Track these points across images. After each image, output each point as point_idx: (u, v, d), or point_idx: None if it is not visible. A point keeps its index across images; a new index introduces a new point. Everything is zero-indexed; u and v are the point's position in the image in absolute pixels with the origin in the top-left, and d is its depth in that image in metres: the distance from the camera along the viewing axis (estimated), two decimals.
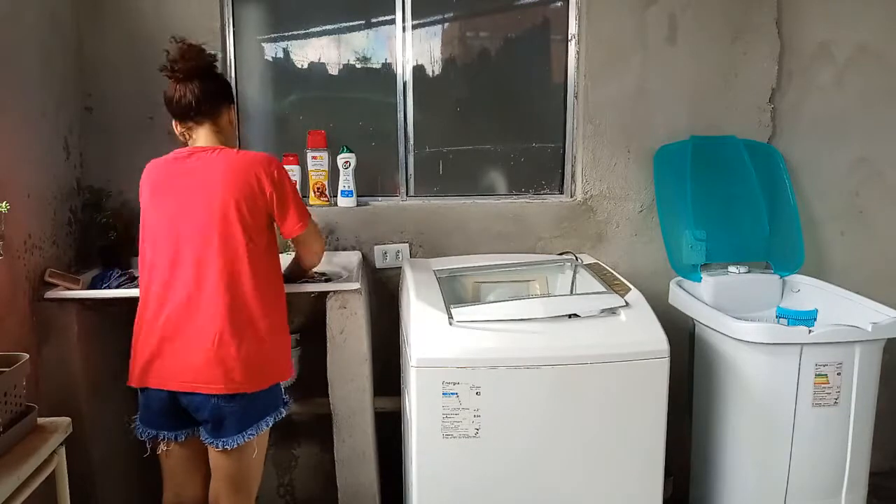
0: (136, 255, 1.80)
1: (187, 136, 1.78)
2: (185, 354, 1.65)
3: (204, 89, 1.72)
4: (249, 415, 1.69)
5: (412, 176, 2.54)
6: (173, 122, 1.78)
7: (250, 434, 1.69)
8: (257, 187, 1.67)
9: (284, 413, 1.80)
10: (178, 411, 1.71)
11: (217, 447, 1.69)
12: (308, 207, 1.86)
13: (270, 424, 1.74)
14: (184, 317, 1.66)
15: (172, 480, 1.83)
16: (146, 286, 1.72)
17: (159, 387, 1.68)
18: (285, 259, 2.28)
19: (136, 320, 1.73)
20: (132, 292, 1.88)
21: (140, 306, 1.73)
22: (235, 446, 1.69)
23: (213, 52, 1.77)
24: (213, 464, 1.77)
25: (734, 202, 2.44)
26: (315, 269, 2.05)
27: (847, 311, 2.12)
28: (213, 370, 1.63)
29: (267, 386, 1.71)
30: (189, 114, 1.73)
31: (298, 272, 1.98)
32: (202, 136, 1.76)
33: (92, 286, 2.00)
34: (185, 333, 1.65)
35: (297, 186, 2.41)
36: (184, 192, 1.68)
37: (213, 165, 1.68)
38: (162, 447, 1.76)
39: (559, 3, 2.52)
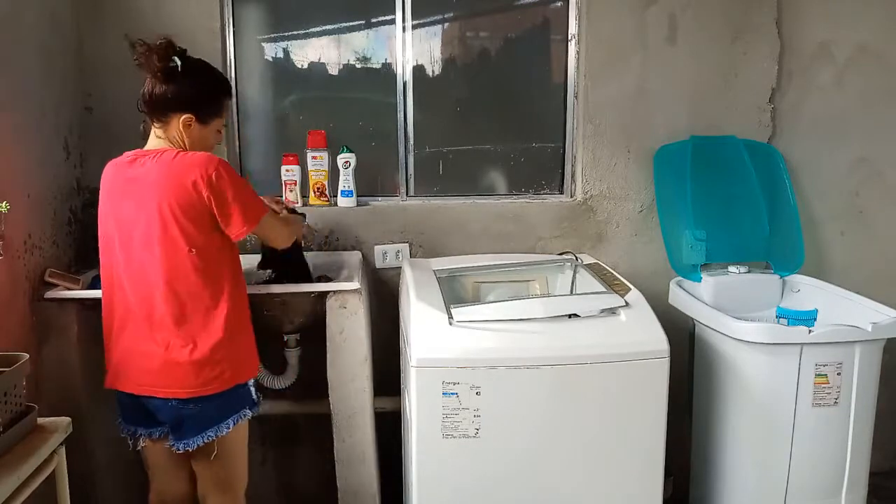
0: None
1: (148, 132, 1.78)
2: (141, 359, 1.66)
3: (154, 92, 1.68)
4: (209, 416, 1.69)
5: (412, 176, 2.54)
6: None
7: (209, 435, 1.68)
8: (193, 191, 1.61)
9: (251, 414, 1.77)
10: (146, 411, 1.72)
11: (178, 449, 1.70)
12: (262, 198, 1.80)
13: (232, 426, 1.72)
14: (138, 323, 1.67)
15: (155, 478, 1.86)
16: (105, 292, 1.73)
17: (123, 390, 1.71)
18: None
19: (103, 326, 1.74)
20: None
21: (104, 313, 1.74)
22: (195, 447, 1.69)
23: (175, 61, 1.68)
24: (193, 465, 1.79)
25: (734, 202, 2.44)
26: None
27: (847, 311, 2.12)
28: (167, 375, 1.64)
29: (225, 388, 1.68)
30: (142, 111, 1.72)
31: (277, 251, 1.97)
32: (151, 138, 1.74)
33: (92, 286, 2.00)
34: (140, 339, 1.66)
35: (297, 186, 2.41)
36: (128, 198, 1.67)
37: (151, 171, 1.64)
38: (140, 443, 1.78)
39: (559, 3, 2.52)
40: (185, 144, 1.73)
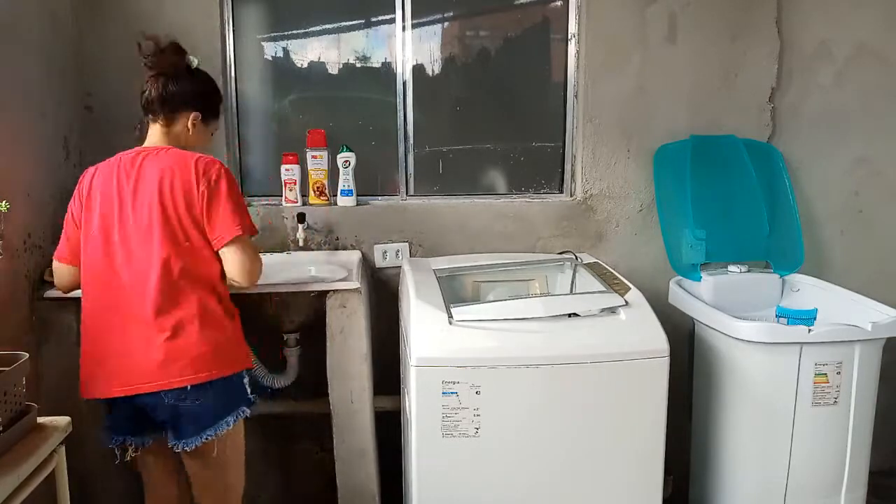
0: None
1: (144, 133, 1.78)
2: (131, 357, 1.62)
3: (167, 89, 1.71)
4: (206, 412, 1.66)
5: (412, 175, 2.54)
6: None
7: (209, 435, 1.66)
8: (194, 187, 1.63)
9: (248, 412, 1.74)
10: (139, 415, 1.69)
11: (178, 448, 1.68)
12: (252, 220, 1.73)
13: (231, 424, 1.69)
14: (128, 319, 1.63)
15: (149, 492, 1.84)
16: (87, 294, 1.69)
17: (110, 395, 1.65)
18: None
19: (82, 332, 1.70)
20: None
21: (83, 316, 1.69)
22: (194, 447, 1.66)
23: (193, 58, 1.76)
24: (188, 473, 1.76)
25: (734, 201, 2.44)
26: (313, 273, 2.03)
27: (847, 311, 2.12)
28: (160, 368, 1.61)
29: (219, 376, 1.64)
30: (147, 109, 1.74)
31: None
32: (154, 135, 1.75)
33: None
34: (131, 336, 1.63)
35: (297, 185, 2.41)
36: (129, 194, 1.65)
37: (155, 164, 1.66)
38: (130, 453, 1.74)
39: (559, 3, 2.52)
40: (184, 144, 1.76)
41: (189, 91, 1.74)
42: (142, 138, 1.79)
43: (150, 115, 1.74)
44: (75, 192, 1.74)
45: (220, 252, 1.67)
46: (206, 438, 1.67)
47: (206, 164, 1.66)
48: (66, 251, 1.74)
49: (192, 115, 1.75)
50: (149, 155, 1.69)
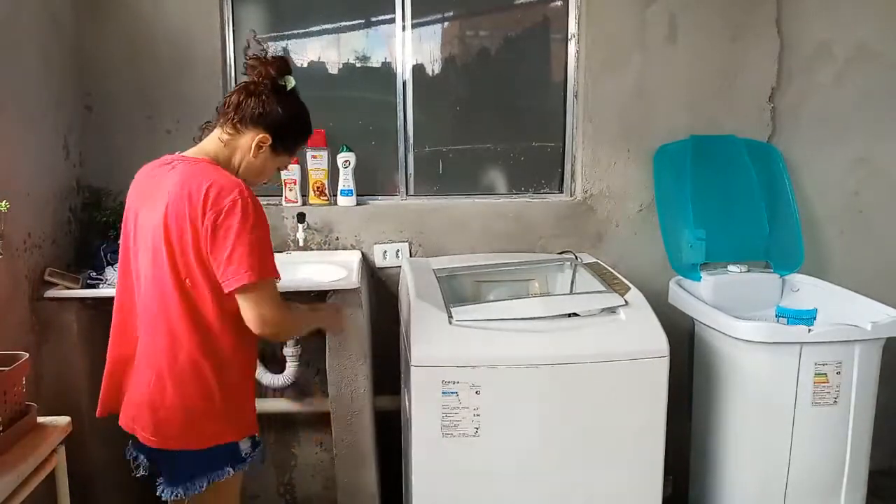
0: None
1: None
2: (131, 389, 1.51)
3: (254, 101, 1.50)
4: (178, 471, 1.48)
5: (412, 175, 2.54)
6: None
7: (178, 493, 1.48)
8: (199, 214, 1.37)
9: (234, 472, 1.50)
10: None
11: (159, 494, 1.52)
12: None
13: (206, 486, 1.47)
14: (139, 346, 1.50)
15: None
16: (117, 305, 1.56)
17: (115, 412, 1.57)
18: (283, 259, 2.28)
19: (112, 343, 1.57)
20: None
21: (115, 325, 1.56)
22: (170, 499, 1.51)
23: (291, 79, 1.56)
24: None
25: (734, 201, 2.44)
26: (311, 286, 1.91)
27: (846, 310, 2.12)
28: (141, 414, 1.46)
29: (195, 448, 1.46)
30: (219, 112, 1.54)
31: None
32: (206, 142, 1.54)
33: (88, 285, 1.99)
34: (136, 366, 1.50)
35: (297, 185, 2.41)
36: (143, 206, 1.48)
37: (177, 178, 1.42)
38: (141, 471, 1.57)
39: (559, 2, 2.52)
40: (237, 163, 1.53)
41: (271, 111, 1.50)
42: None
43: (220, 120, 1.52)
44: None
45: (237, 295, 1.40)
46: (177, 496, 1.49)
47: (221, 190, 1.37)
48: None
49: (261, 136, 1.50)
50: (179, 165, 1.46)
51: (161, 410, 1.43)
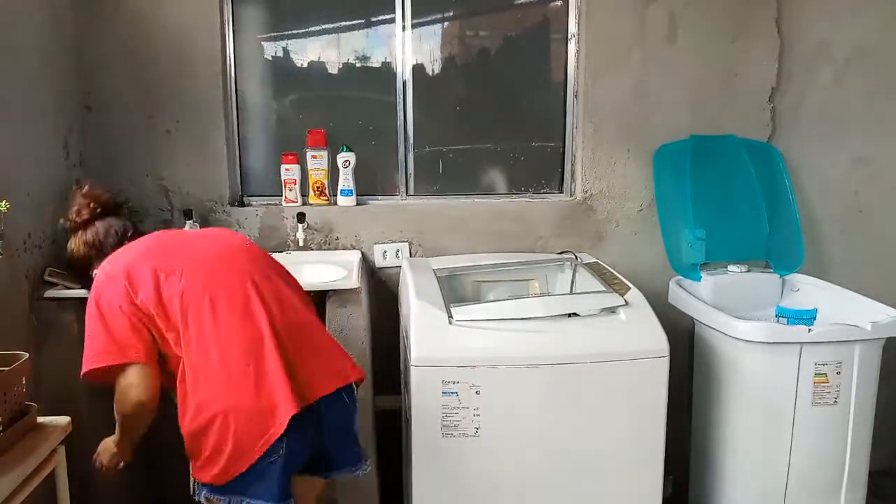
0: None
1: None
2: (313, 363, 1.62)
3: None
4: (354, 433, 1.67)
5: (412, 175, 2.54)
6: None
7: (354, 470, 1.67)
8: None
9: None
10: None
11: None
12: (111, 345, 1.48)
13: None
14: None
15: None
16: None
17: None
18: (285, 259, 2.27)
19: None
20: None
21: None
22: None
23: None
24: None
25: (734, 201, 2.44)
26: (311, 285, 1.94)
27: (846, 310, 2.11)
28: (347, 361, 1.64)
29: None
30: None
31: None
32: None
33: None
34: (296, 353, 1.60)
35: (297, 185, 2.41)
36: None
37: None
38: None
39: (559, 2, 2.52)
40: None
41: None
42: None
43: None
44: None
45: None
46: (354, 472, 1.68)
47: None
48: None
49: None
50: None
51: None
